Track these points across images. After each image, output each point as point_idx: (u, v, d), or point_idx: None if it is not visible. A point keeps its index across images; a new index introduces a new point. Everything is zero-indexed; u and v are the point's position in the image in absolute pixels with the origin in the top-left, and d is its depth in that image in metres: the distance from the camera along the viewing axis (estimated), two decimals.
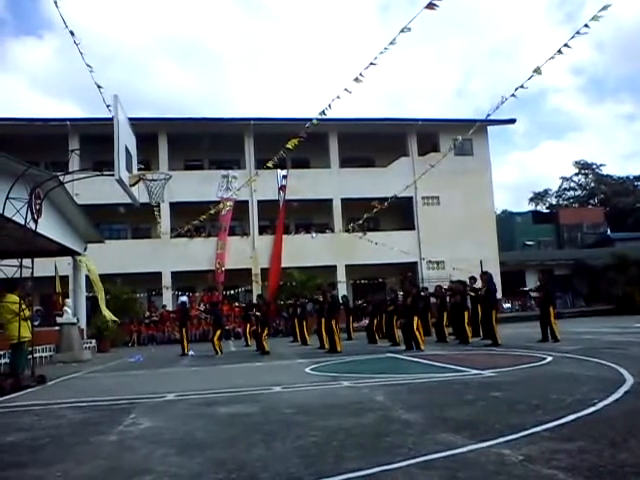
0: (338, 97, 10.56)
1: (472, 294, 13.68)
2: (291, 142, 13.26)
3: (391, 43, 8.91)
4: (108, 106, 9.30)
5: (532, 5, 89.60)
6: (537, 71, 9.36)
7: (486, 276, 12.97)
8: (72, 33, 8.66)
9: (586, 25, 8.54)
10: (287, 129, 14.98)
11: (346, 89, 10.28)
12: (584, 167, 59.52)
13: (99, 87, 9.69)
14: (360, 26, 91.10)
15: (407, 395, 5.95)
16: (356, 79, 9.86)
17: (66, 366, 12.85)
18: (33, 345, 9.91)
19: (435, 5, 7.81)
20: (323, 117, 11.46)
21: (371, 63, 9.48)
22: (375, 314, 15.75)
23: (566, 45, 8.91)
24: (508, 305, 30.01)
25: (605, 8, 7.97)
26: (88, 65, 9.22)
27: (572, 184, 60.73)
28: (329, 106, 10.89)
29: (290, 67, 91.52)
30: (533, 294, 14.33)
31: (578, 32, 8.70)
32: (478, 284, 13.43)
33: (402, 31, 8.52)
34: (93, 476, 3.41)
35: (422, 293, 15.03)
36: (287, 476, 3.15)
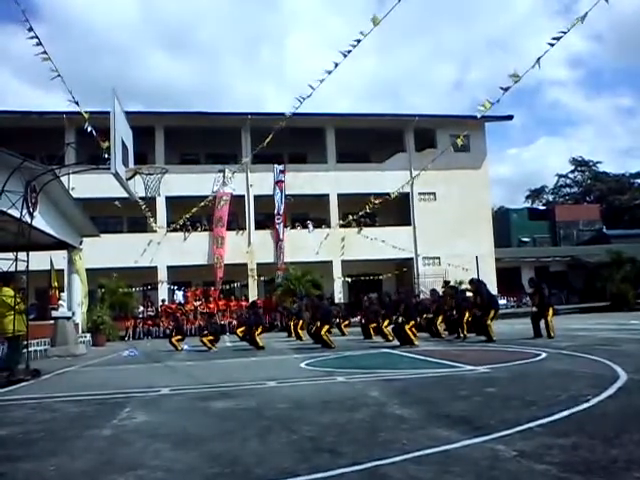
0: (300, 103, 10.92)
1: (470, 293, 13.59)
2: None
3: (358, 40, 9.57)
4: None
5: None
6: (515, 77, 9.41)
7: (474, 285, 12.97)
8: (23, 12, 8.66)
9: (566, 32, 8.59)
10: (284, 124, 14.88)
11: (310, 85, 10.70)
12: (581, 164, 59.68)
13: (58, 74, 9.68)
14: (358, 17, 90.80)
15: (401, 390, 5.95)
16: (331, 68, 10.39)
17: (61, 360, 12.80)
18: (28, 339, 9.88)
19: None
20: (296, 112, 11.82)
21: (344, 56, 9.94)
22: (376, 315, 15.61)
23: (548, 46, 8.94)
24: (503, 301, 30.06)
25: None
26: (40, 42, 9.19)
27: (568, 181, 60.92)
28: (298, 104, 11.20)
29: (288, 60, 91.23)
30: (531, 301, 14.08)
31: (563, 33, 8.74)
32: (469, 293, 13.48)
33: (375, 25, 9.20)
34: (87, 470, 3.40)
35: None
36: (282, 471, 3.14)
